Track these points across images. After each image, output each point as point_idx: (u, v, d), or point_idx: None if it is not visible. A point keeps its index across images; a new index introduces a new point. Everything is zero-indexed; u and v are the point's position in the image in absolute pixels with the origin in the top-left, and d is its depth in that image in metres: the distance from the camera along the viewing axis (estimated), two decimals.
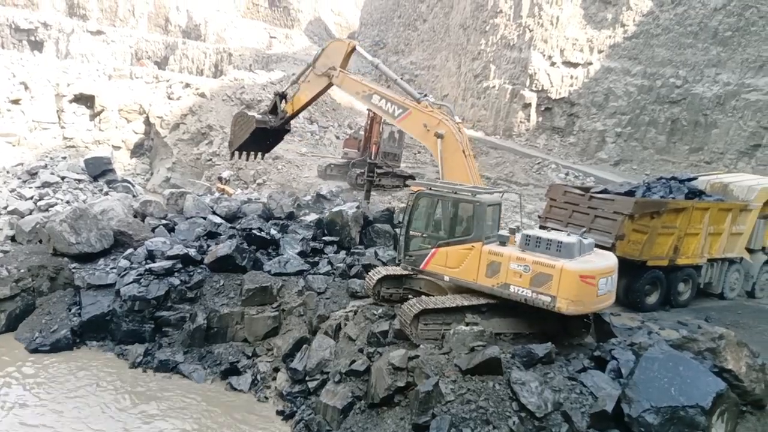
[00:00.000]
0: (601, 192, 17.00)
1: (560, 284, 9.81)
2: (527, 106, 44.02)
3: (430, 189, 12.18)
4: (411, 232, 12.12)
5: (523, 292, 10.35)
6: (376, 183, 26.05)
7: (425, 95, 14.35)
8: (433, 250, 11.79)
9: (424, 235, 12.19)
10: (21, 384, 12.31)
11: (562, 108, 42.58)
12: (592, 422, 8.57)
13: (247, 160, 20.21)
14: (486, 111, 47.34)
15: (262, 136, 18.72)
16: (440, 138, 13.57)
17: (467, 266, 11.26)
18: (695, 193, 16.86)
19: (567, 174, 36.83)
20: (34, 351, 13.58)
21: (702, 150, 35.18)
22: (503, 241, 11.14)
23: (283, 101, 17.90)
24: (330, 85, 15.99)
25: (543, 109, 43.50)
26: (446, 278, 11.61)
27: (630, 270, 15.43)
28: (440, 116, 13.87)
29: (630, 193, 16.84)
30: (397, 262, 12.85)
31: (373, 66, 16.38)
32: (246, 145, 18.91)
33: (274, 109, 18.31)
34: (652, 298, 15.95)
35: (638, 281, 15.54)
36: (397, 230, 13.74)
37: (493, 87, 46.06)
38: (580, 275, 9.83)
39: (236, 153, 19.37)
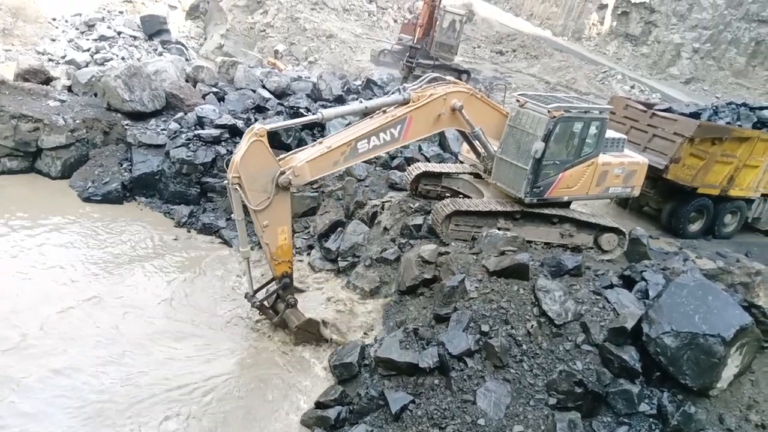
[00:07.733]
0: (665, 110, 16.13)
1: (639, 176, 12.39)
2: (603, 7, 40.98)
3: (569, 112, 10.88)
4: (544, 162, 10.98)
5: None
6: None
7: (404, 88, 10.52)
8: (561, 175, 11.28)
9: (556, 162, 11.18)
10: (71, 227, 13.17)
11: (641, 13, 39.46)
12: (609, 336, 8.74)
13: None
14: (557, 8, 44.33)
15: None
16: (461, 110, 10.74)
17: (584, 182, 11.63)
18: (764, 123, 15.81)
19: (632, 87, 34.87)
20: (87, 200, 14.46)
21: None
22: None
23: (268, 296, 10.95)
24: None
25: (620, 12, 40.44)
26: (565, 198, 11.84)
27: (678, 195, 15.05)
28: (440, 90, 10.66)
29: (695, 115, 15.92)
30: (517, 198, 11.39)
31: (319, 121, 10.02)
32: None
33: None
34: (695, 226, 15.58)
35: (684, 207, 15.12)
36: (514, 162, 11.24)
37: None
38: None
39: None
